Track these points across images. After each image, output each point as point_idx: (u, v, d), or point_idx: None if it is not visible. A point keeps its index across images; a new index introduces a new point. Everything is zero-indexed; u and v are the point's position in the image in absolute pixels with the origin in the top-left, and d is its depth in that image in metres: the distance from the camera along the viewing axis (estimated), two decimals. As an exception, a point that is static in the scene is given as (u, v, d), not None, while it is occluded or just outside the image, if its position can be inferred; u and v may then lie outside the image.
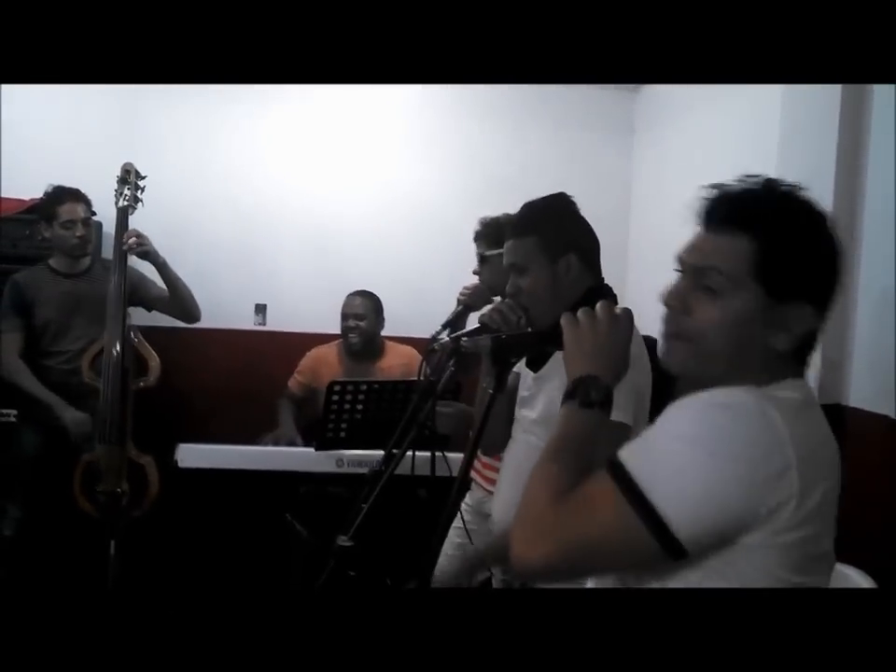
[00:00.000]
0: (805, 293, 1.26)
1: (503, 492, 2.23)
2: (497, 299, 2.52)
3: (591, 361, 1.37)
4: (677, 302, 1.31)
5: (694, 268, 1.30)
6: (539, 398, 2.15)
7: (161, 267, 3.78)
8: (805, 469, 1.17)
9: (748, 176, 1.31)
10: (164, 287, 3.87)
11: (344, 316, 4.17)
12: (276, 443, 3.89)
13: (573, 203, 2.20)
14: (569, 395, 1.36)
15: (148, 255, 3.74)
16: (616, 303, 1.99)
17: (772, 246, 1.25)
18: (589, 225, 2.20)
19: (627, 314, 1.44)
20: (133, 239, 3.66)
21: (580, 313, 1.42)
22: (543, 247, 2.12)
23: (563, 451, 1.30)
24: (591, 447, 1.31)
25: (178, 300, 3.87)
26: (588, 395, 1.34)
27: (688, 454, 1.17)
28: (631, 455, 1.21)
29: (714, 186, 1.32)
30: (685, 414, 1.21)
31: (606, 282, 2.22)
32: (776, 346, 1.27)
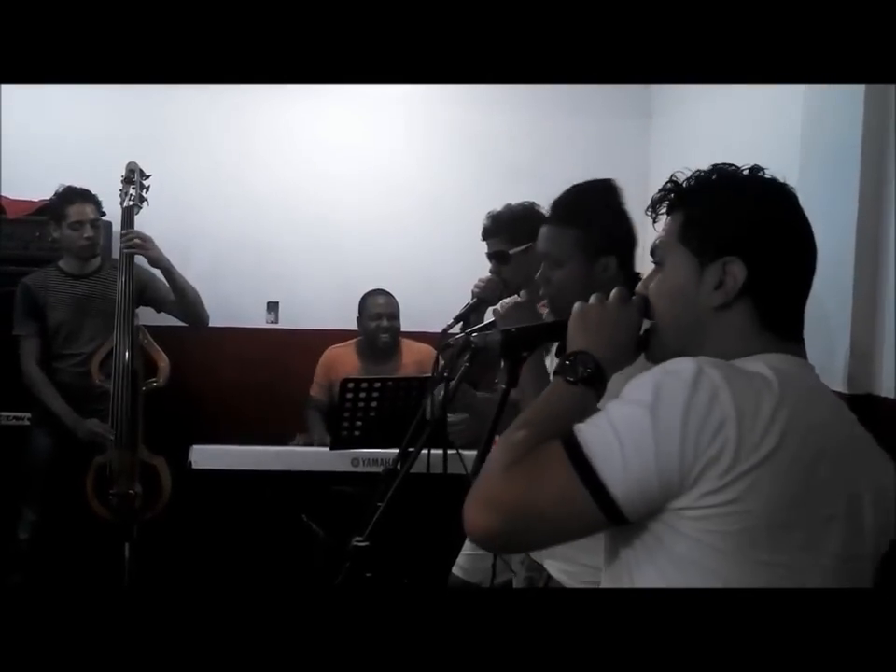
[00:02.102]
0: (729, 248, 1.30)
1: None
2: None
3: (587, 338, 1.36)
4: (642, 287, 1.40)
5: (651, 252, 1.40)
6: None
7: (167, 272, 3.77)
8: (748, 427, 1.15)
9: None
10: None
11: (376, 316, 4.14)
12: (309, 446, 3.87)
13: (620, 195, 2.12)
14: (557, 369, 1.34)
15: (152, 259, 3.73)
16: None
17: (694, 212, 1.34)
18: (631, 221, 2.12)
19: (641, 299, 1.40)
20: (136, 240, 3.65)
21: (592, 296, 1.41)
22: (584, 245, 2.03)
23: (533, 422, 1.28)
24: (566, 424, 1.25)
25: (186, 304, 3.84)
26: (575, 370, 1.31)
27: (628, 415, 1.18)
28: (584, 424, 1.22)
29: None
30: (632, 382, 1.23)
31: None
32: (711, 304, 1.30)
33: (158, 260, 3.73)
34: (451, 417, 3.04)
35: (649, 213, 1.40)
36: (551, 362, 2.23)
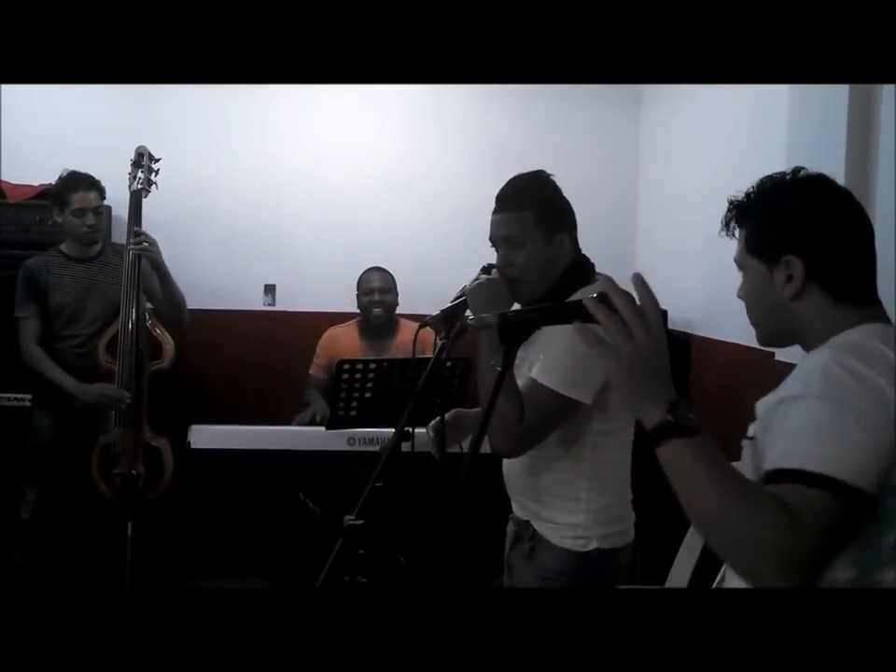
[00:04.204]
0: (784, 248, 1.46)
1: None
2: None
3: (664, 384, 1.32)
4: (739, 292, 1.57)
5: (736, 262, 1.57)
6: (524, 367, 2.17)
7: (163, 275, 3.79)
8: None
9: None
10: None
11: (368, 291, 4.21)
12: (311, 422, 3.92)
13: (555, 183, 2.26)
14: (675, 431, 1.29)
15: (154, 262, 3.75)
16: (593, 273, 2.18)
17: (749, 227, 1.53)
18: (570, 204, 2.28)
19: (653, 304, 1.33)
20: (144, 244, 3.68)
21: (603, 334, 1.33)
22: (541, 223, 2.17)
23: (737, 477, 1.30)
24: (726, 464, 1.32)
25: (173, 303, 3.88)
26: (691, 421, 1.29)
27: (841, 426, 1.28)
28: (799, 458, 1.28)
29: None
30: (804, 405, 1.31)
31: (597, 254, 2.28)
32: (787, 295, 1.47)
33: (158, 264, 3.76)
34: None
35: (723, 233, 1.56)
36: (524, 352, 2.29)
